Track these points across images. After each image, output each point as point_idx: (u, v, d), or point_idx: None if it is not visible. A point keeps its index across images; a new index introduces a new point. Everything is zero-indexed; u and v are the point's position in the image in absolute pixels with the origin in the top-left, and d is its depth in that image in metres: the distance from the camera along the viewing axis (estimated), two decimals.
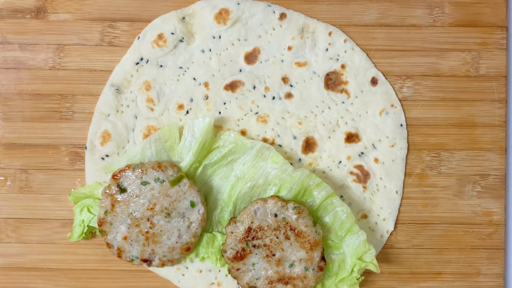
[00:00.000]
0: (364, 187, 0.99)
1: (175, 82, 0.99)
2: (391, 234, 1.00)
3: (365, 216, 0.99)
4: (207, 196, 0.97)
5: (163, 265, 0.95)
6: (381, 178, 0.99)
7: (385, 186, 0.99)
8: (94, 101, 0.99)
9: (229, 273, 0.94)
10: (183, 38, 0.99)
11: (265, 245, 0.92)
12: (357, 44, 1.00)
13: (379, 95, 1.00)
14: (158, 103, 0.99)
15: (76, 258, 1.00)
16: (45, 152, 1.00)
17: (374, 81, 1.00)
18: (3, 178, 0.99)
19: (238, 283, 0.94)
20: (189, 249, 0.94)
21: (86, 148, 0.99)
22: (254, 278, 0.93)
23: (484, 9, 1.01)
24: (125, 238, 0.94)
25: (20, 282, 0.99)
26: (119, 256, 0.94)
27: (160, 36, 0.99)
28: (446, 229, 1.00)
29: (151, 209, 0.93)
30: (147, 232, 0.94)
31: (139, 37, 0.99)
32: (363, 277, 0.95)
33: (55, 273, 1.00)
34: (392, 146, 1.00)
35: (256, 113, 1.00)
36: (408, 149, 1.00)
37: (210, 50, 0.99)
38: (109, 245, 0.94)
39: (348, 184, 0.99)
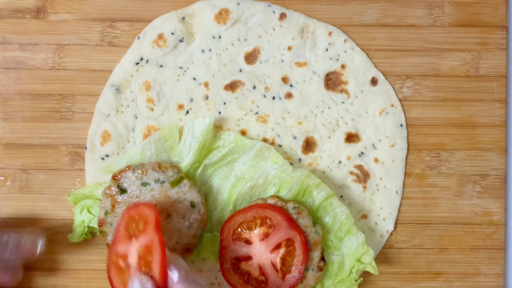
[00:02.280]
0: (364, 187, 0.99)
1: (175, 82, 0.99)
2: (391, 234, 1.00)
3: (365, 216, 0.99)
4: (207, 196, 0.97)
5: None
6: (381, 178, 0.99)
7: (385, 186, 1.00)
8: (94, 101, 0.99)
9: None
10: (183, 38, 0.99)
11: None
12: (357, 44, 1.00)
13: (379, 95, 1.00)
14: (158, 103, 0.99)
15: (76, 258, 1.00)
16: (45, 152, 1.00)
17: (374, 81, 1.00)
18: (3, 178, 0.99)
19: None
20: (189, 249, 0.94)
21: (86, 148, 0.99)
22: None
23: (484, 9, 1.01)
24: None
25: (20, 282, 0.99)
26: None
27: (160, 36, 0.99)
28: (446, 229, 1.00)
29: None
30: None
31: (139, 37, 0.99)
32: (361, 279, 0.95)
33: (55, 273, 1.00)
34: (392, 146, 1.00)
35: (256, 113, 1.00)
36: (408, 149, 1.00)
37: (210, 50, 0.99)
38: (109, 246, 0.94)
39: (348, 184, 0.99)
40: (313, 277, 0.93)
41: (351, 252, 0.94)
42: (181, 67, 0.99)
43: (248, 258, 0.92)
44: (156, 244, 0.82)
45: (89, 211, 0.96)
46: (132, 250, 0.85)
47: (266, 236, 0.92)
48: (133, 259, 0.85)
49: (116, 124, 0.99)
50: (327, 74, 1.00)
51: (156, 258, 0.82)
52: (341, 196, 0.99)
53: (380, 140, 1.00)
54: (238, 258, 0.93)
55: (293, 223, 0.91)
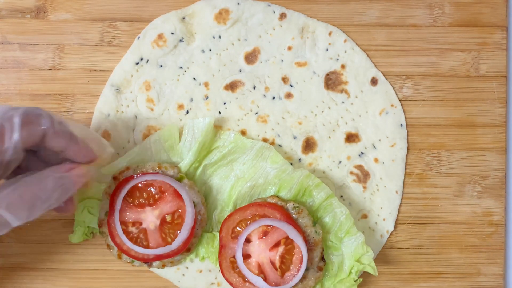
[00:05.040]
0: (364, 187, 0.99)
1: (175, 82, 0.99)
2: (391, 234, 1.00)
3: (365, 216, 0.99)
4: (207, 196, 0.97)
5: (163, 266, 0.94)
6: (381, 178, 0.99)
7: (385, 186, 0.99)
8: (94, 101, 0.99)
9: None
10: (183, 38, 0.99)
11: None
12: (357, 44, 1.00)
13: (379, 95, 1.00)
14: (158, 103, 0.99)
15: (76, 258, 1.00)
16: None
17: (374, 81, 1.00)
18: None
19: None
20: (189, 249, 0.94)
21: None
22: None
23: (484, 9, 1.01)
24: None
25: (20, 282, 0.99)
26: (120, 257, 0.94)
27: (160, 36, 0.99)
28: (446, 229, 1.00)
29: None
30: None
31: (139, 37, 0.99)
32: (361, 279, 0.94)
33: (55, 273, 1.00)
34: (392, 146, 1.00)
35: (256, 113, 1.00)
36: (408, 149, 1.00)
37: (210, 50, 0.99)
38: (109, 247, 0.94)
39: (348, 184, 0.99)
40: (313, 277, 0.92)
41: (350, 252, 0.94)
42: (181, 67, 0.99)
43: (247, 256, 0.92)
44: (184, 211, 0.91)
45: (89, 211, 0.96)
46: (149, 216, 0.92)
47: (265, 234, 0.92)
48: (151, 224, 0.92)
49: (116, 124, 0.99)
50: (327, 74, 1.00)
51: (188, 221, 0.91)
52: (341, 196, 0.99)
53: (380, 140, 1.00)
54: None
55: (292, 222, 0.91)
